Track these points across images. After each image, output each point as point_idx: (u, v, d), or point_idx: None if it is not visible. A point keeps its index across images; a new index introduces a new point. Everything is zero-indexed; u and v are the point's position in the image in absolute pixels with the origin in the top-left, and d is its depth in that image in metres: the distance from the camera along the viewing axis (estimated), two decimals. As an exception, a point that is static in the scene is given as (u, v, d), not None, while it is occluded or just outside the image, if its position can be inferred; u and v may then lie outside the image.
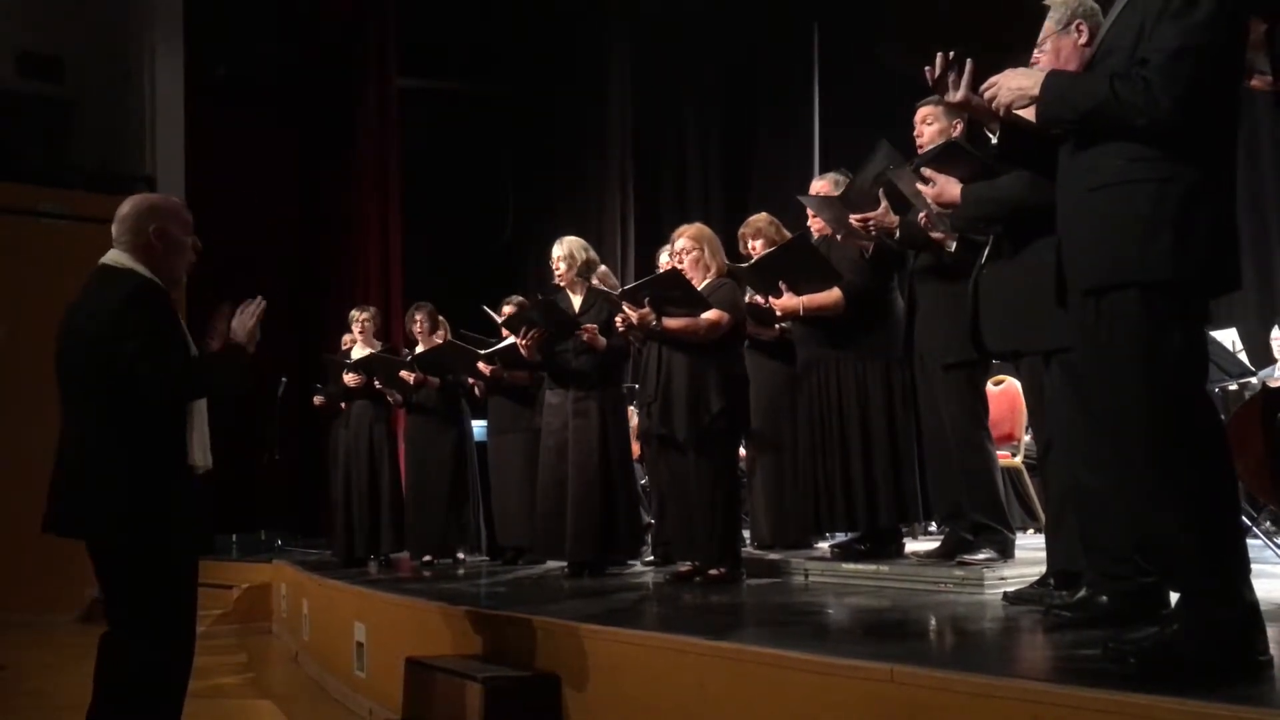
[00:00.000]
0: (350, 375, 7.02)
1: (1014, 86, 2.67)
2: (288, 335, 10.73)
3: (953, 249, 4.16)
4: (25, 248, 8.79)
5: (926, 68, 2.82)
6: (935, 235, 4.15)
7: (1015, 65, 2.75)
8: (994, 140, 3.14)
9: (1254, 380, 6.00)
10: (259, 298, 3.30)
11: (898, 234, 4.50)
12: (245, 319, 3.25)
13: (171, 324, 3.14)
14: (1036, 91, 2.62)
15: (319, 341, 9.47)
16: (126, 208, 3.23)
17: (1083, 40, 2.96)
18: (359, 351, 7.30)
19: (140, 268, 3.15)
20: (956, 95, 2.81)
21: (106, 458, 3.04)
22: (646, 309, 5.00)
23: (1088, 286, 2.54)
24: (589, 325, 5.50)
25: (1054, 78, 2.65)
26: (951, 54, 2.76)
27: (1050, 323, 3.21)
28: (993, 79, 2.71)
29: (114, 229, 3.22)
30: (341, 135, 11.30)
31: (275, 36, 11.21)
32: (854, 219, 4.61)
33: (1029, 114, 2.83)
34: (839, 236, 4.95)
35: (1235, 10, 2.48)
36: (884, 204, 4.47)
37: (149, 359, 3.01)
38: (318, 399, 7.51)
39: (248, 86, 11.11)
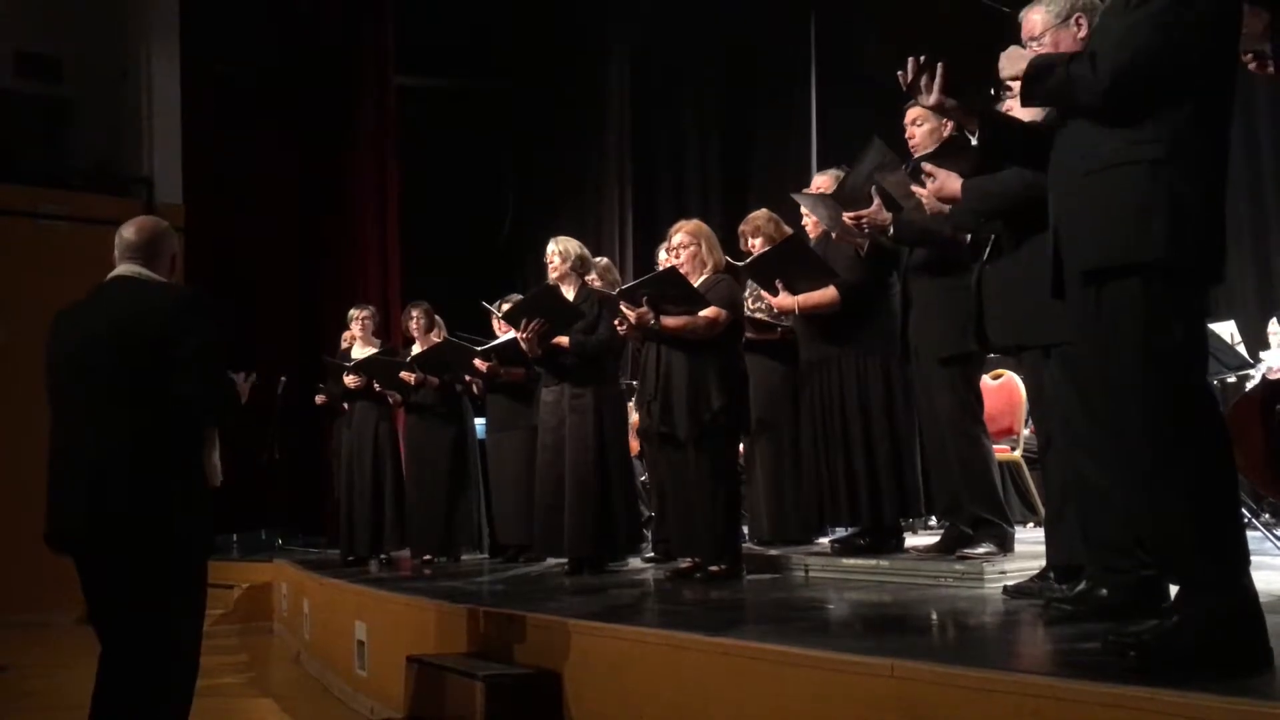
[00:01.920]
0: (350, 377, 7.02)
1: (1017, 56, 2.73)
2: (287, 334, 10.72)
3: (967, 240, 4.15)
4: (23, 249, 8.78)
5: (900, 73, 2.83)
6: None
7: (991, 69, 2.78)
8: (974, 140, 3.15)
9: (1252, 372, 6.01)
10: (254, 374, 3.44)
11: (891, 231, 4.52)
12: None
13: (221, 340, 3.15)
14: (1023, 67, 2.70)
15: (318, 340, 9.46)
16: (141, 228, 3.23)
17: (1082, 34, 2.96)
18: (358, 350, 7.30)
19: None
20: (930, 99, 2.82)
21: (134, 462, 2.99)
22: (644, 308, 5.00)
23: (1084, 269, 2.55)
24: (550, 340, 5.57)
25: (1040, 57, 2.72)
26: (923, 59, 2.77)
27: (1052, 316, 3.21)
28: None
29: (127, 245, 3.20)
30: (340, 134, 11.29)
31: (273, 36, 11.19)
32: (847, 217, 4.63)
33: (1011, 109, 2.85)
34: (833, 235, 4.97)
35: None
36: (877, 202, 4.49)
37: (208, 373, 3.05)
38: (319, 398, 7.51)
39: (245, 86, 11.10)
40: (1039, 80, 2.63)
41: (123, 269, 3.19)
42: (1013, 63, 2.74)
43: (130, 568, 3.01)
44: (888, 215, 4.49)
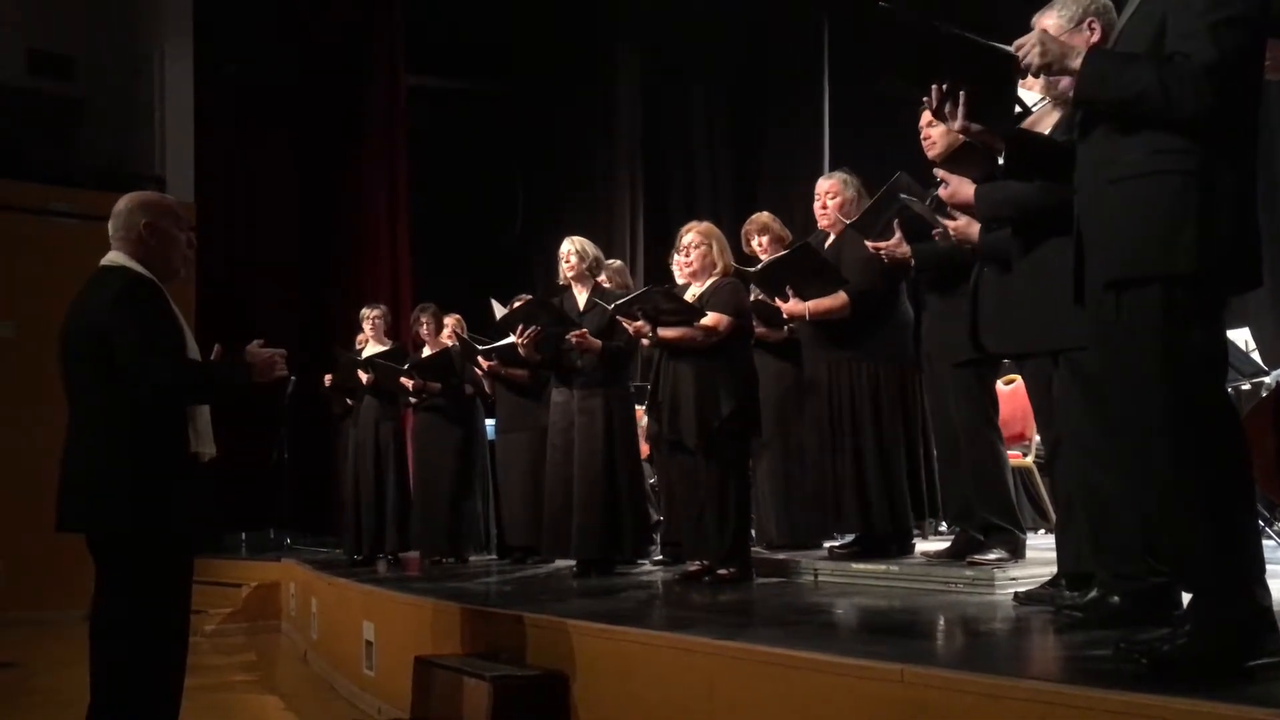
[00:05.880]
0: (362, 372, 7.02)
1: (1052, 50, 2.57)
2: (296, 334, 10.73)
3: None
4: (34, 246, 8.80)
5: (925, 98, 2.82)
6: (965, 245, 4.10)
7: (1005, 96, 2.73)
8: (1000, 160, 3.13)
9: (1267, 379, 5.97)
10: (284, 351, 3.41)
11: (913, 263, 4.54)
12: (268, 354, 3.32)
13: (165, 318, 3.16)
14: (1075, 64, 2.52)
15: (328, 340, 9.46)
16: (118, 205, 3.30)
17: (1095, 38, 2.94)
18: (370, 350, 7.30)
19: (133, 264, 3.21)
20: (956, 124, 2.79)
21: (108, 452, 3.06)
22: (641, 323, 4.99)
23: (1109, 279, 2.50)
24: (578, 333, 5.46)
25: (1098, 55, 2.56)
26: (945, 85, 2.75)
27: (1057, 323, 3.20)
28: (1025, 38, 2.60)
29: (109, 228, 3.28)
30: (350, 134, 11.29)
31: (284, 36, 11.21)
32: (870, 246, 4.65)
33: (1038, 122, 2.82)
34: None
35: (1260, 11, 2.46)
36: (898, 235, 4.50)
37: (140, 352, 3.05)
38: (328, 378, 7.43)
39: (257, 85, 11.11)
40: (1105, 84, 2.47)
41: (104, 259, 3.26)
42: (1059, 49, 2.63)
43: (112, 552, 3.09)
44: (907, 248, 4.50)
